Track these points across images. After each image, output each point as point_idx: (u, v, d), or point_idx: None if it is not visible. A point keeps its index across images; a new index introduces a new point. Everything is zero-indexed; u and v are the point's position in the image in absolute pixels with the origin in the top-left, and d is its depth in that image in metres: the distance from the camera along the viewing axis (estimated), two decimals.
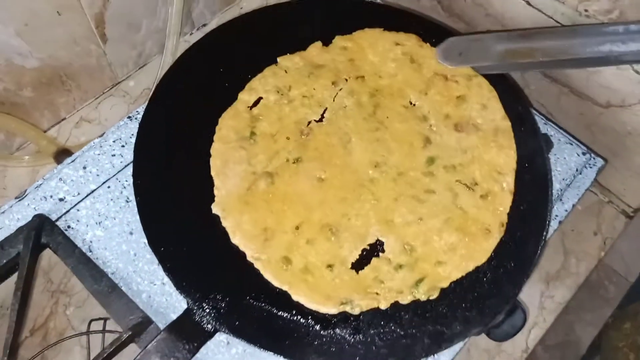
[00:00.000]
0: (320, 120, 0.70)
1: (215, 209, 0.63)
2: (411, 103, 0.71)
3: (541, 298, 0.82)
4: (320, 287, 0.59)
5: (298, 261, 0.61)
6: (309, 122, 0.69)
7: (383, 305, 0.59)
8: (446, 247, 0.62)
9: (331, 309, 0.58)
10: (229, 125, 0.68)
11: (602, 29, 0.59)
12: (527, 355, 0.80)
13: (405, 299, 0.59)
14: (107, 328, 0.67)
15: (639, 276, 1.40)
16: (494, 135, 0.68)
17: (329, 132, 0.69)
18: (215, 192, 0.64)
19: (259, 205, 0.63)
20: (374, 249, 0.62)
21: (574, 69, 0.66)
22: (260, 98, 0.71)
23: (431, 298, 0.59)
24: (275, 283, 0.59)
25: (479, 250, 0.62)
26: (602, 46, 0.58)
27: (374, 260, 0.61)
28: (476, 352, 0.77)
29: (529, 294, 0.81)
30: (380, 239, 0.63)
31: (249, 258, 0.61)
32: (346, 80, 0.73)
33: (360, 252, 0.62)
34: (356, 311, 0.58)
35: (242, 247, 0.61)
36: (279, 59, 0.73)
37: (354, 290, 0.59)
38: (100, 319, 0.68)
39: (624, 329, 0.98)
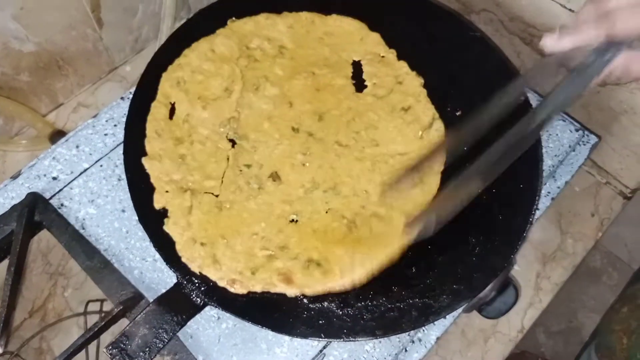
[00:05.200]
0: None
1: None
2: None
3: (537, 279, 0.82)
4: None
5: None
6: None
7: None
8: None
9: None
10: None
11: None
12: (523, 336, 0.80)
13: None
14: (104, 309, 0.69)
15: None
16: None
17: None
18: None
19: None
20: None
21: None
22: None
23: None
24: None
25: None
26: None
27: None
28: (471, 332, 0.77)
29: (525, 274, 0.81)
30: None
31: None
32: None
33: None
34: None
35: None
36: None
37: None
38: (97, 300, 0.69)
39: (622, 312, 0.97)
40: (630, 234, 1.51)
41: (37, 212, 0.64)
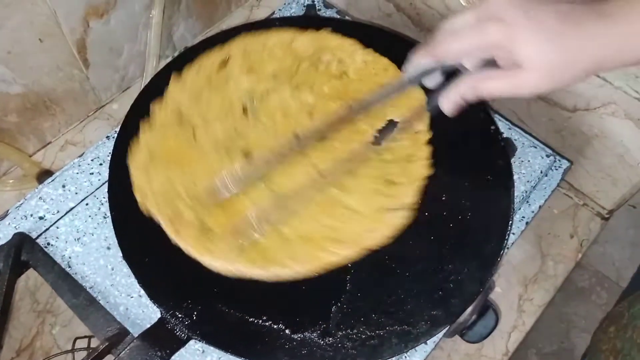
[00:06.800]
0: None
1: None
2: None
3: (520, 301, 0.83)
4: None
5: None
6: None
7: None
8: None
9: None
10: None
11: None
12: (514, 359, 0.81)
13: None
14: (92, 345, 0.69)
15: (630, 281, 1.41)
16: None
17: None
18: None
19: None
20: None
21: None
22: None
23: None
24: None
25: None
26: None
27: None
28: (457, 356, 0.78)
29: (508, 297, 0.82)
30: None
31: None
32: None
33: None
34: None
35: None
36: None
37: None
38: (85, 337, 0.70)
39: (609, 332, 0.98)
40: (617, 252, 1.53)
41: (23, 252, 0.65)
